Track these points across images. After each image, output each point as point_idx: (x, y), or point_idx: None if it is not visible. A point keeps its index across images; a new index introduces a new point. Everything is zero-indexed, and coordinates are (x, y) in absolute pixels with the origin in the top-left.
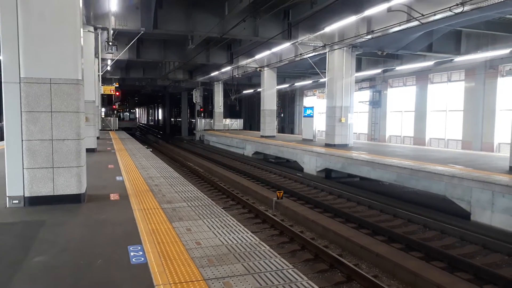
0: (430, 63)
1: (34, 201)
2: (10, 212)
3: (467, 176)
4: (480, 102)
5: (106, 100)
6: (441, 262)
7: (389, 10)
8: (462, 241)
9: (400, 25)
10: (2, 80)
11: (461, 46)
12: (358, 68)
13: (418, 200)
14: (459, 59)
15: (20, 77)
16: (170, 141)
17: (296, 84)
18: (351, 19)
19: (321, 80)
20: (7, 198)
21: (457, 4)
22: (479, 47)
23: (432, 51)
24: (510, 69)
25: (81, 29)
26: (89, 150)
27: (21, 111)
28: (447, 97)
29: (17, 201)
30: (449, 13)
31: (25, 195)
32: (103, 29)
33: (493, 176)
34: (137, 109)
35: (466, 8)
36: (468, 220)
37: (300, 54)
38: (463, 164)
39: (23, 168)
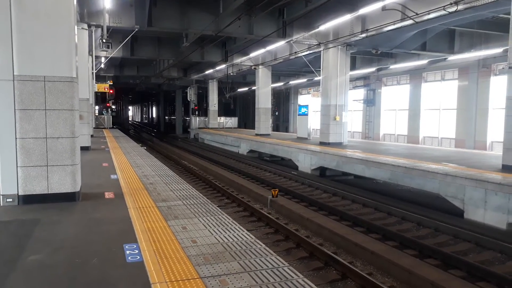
0: (424, 61)
1: (28, 200)
2: (4, 211)
3: (461, 174)
4: (473, 100)
5: (100, 98)
6: (435, 259)
7: (384, 8)
8: (456, 239)
9: (394, 24)
10: None
11: (454, 45)
12: (353, 67)
13: (412, 198)
14: (452, 58)
15: (14, 74)
16: (164, 139)
17: (291, 82)
18: (345, 18)
19: (316, 78)
20: (1, 196)
21: (451, 3)
22: (472, 46)
23: (426, 50)
24: (503, 68)
25: (76, 27)
26: (83, 148)
27: (15, 109)
28: (441, 96)
29: (11, 200)
30: (443, 12)
31: (19, 194)
32: (97, 26)
33: (486, 174)
34: (130, 107)
35: (460, 7)
36: (462, 218)
37: (295, 52)
38: (456, 162)
39: (17, 166)
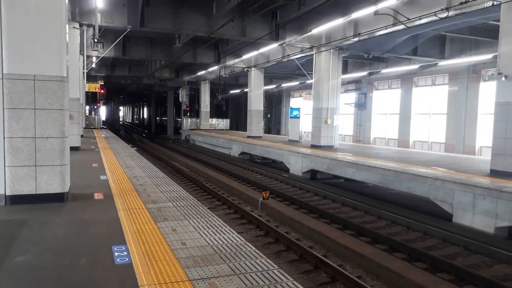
0: (415, 66)
1: (15, 200)
2: None
3: (450, 178)
4: (463, 106)
5: (90, 97)
6: (423, 263)
7: (376, 13)
8: (444, 243)
9: (386, 29)
10: None
11: (445, 51)
12: (345, 70)
13: (401, 201)
14: (443, 63)
15: (2, 73)
16: (155, 140)
17: (283, 85)
18: (338, 22)
19: (308, 81)
20: None
21: (442, 9)
22: (463, 52)
23: (417, 55)
24: (492, 74)
25: (67, 25)
26: (72, 148)
27: (3, 108)
28: (431, 101)
29: None
30: (434, 18)
31: (7, 194)
32: (89, 25)
33: (474, 179)
34: (121, 108)
35: (451, 13)
36: (450, 222)
37: (288, 55)
38: (445, 166)
39: (4, 166)
